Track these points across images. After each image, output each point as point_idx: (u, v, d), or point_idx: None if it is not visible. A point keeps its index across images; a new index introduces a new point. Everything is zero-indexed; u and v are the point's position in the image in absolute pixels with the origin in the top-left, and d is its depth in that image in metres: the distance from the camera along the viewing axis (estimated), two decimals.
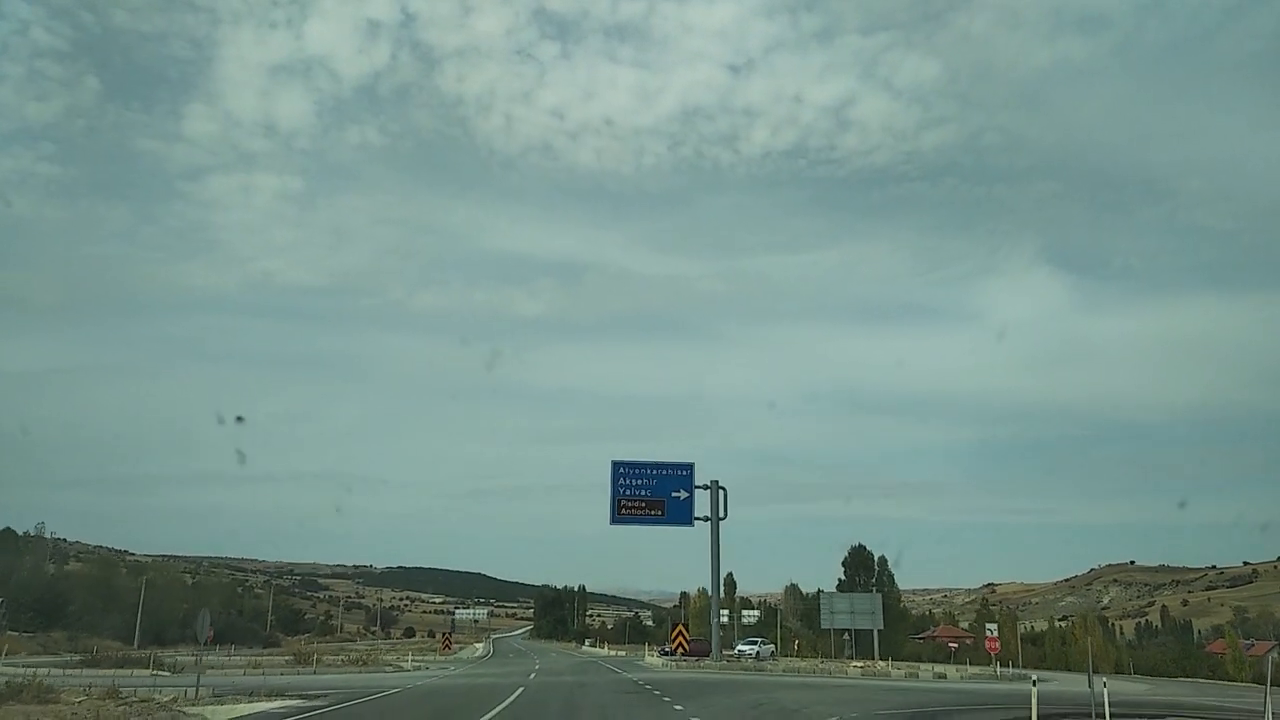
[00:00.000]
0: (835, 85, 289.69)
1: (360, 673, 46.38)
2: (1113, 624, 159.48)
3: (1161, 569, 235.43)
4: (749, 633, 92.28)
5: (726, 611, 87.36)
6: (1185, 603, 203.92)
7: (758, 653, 65.33)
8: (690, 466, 50.89)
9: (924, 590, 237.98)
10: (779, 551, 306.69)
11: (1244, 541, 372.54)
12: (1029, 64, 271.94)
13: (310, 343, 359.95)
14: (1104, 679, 30.52)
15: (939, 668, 55.54)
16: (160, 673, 44.00)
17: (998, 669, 50.39)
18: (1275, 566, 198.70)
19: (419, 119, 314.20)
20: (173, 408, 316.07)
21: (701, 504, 50.42)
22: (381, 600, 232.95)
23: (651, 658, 61.53)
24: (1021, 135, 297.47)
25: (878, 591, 73.89)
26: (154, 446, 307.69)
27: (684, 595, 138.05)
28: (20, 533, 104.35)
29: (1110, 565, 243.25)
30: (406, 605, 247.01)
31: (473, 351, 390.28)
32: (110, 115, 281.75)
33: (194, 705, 26.33)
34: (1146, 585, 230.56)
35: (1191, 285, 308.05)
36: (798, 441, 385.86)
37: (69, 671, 42.38)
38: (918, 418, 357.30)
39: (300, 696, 28.16)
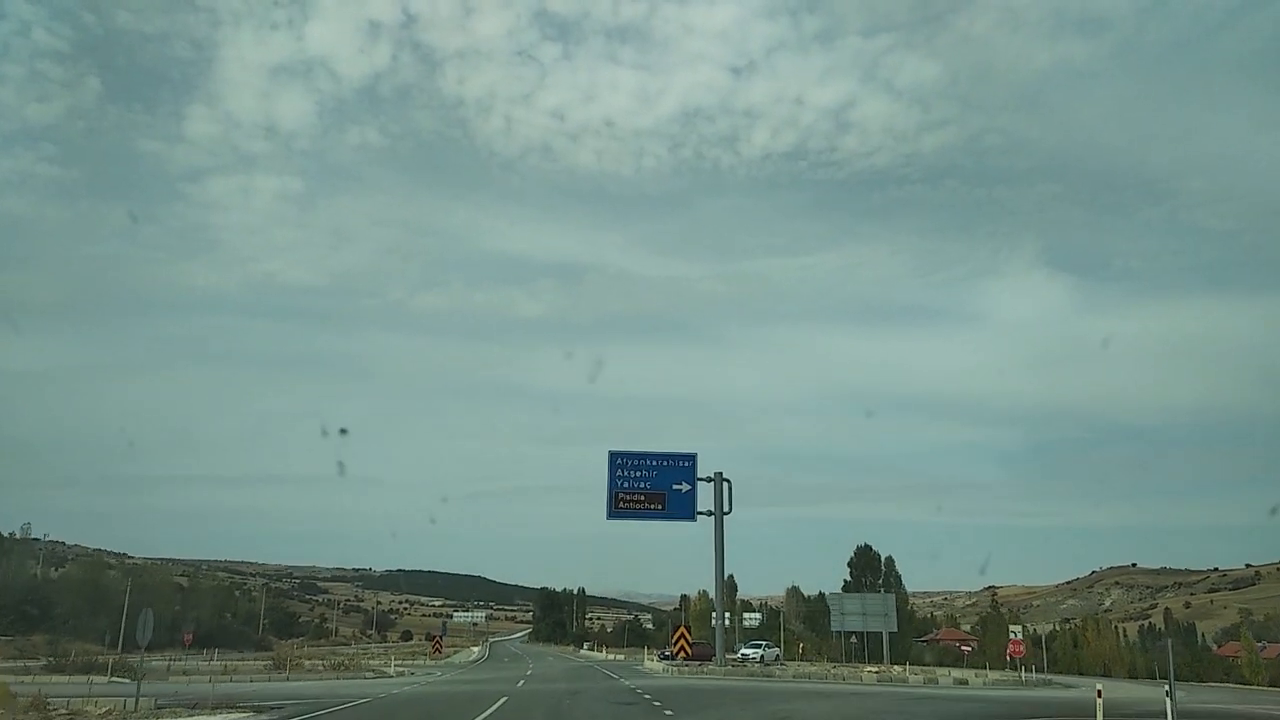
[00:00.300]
0: (836, 87, 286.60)
1: (338, 679, 42.59)
2: (1115, 626, 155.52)
3: (1163, 571, 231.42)
4: (750, 636, 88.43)
5: (728, 614, 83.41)
6: (1188, 605, 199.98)
7: (762, 656, 61.49)
8: (693, 457, 46.88)
9: (923, 592, 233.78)
10: (778, 554, 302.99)
11: (1246, 543, 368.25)
12: (1030, 65, 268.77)
13: (310, 343, 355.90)
14: (1173, 687, 26.76)
15: (955, 672, 51.74)
16: (119, 680, 40.33)
17: (1022, 674, 46.53)
18: (1279, 568, 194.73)
19: (419, 120, 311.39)
20: (174, 409, 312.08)
21: (704, 498, 46.56)
22: (380, 604, 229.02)
23: (651, 662, 57.67)
24: (1022, 137, 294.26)
25: (886, 593, 70.06)
26: (154, 449, 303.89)
27: (684, 598, 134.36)
28: (6, 534, 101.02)
29: (1112, 567, 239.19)
30: (405, 608, 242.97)
31: (478, 353, 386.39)
32: (111, 116, 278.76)
33: (129, 718, 22.83)
34: (1148, 587, 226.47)
35: (1193, 286, 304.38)
36: (797, 443, 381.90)
37: (23, 678, 38.82)
38: (918, 420, 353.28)
39: (252, 709, 24.46)
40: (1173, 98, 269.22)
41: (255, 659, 58.42)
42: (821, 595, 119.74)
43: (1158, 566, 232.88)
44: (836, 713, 22.97)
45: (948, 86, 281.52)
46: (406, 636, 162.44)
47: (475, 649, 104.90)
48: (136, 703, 24.39)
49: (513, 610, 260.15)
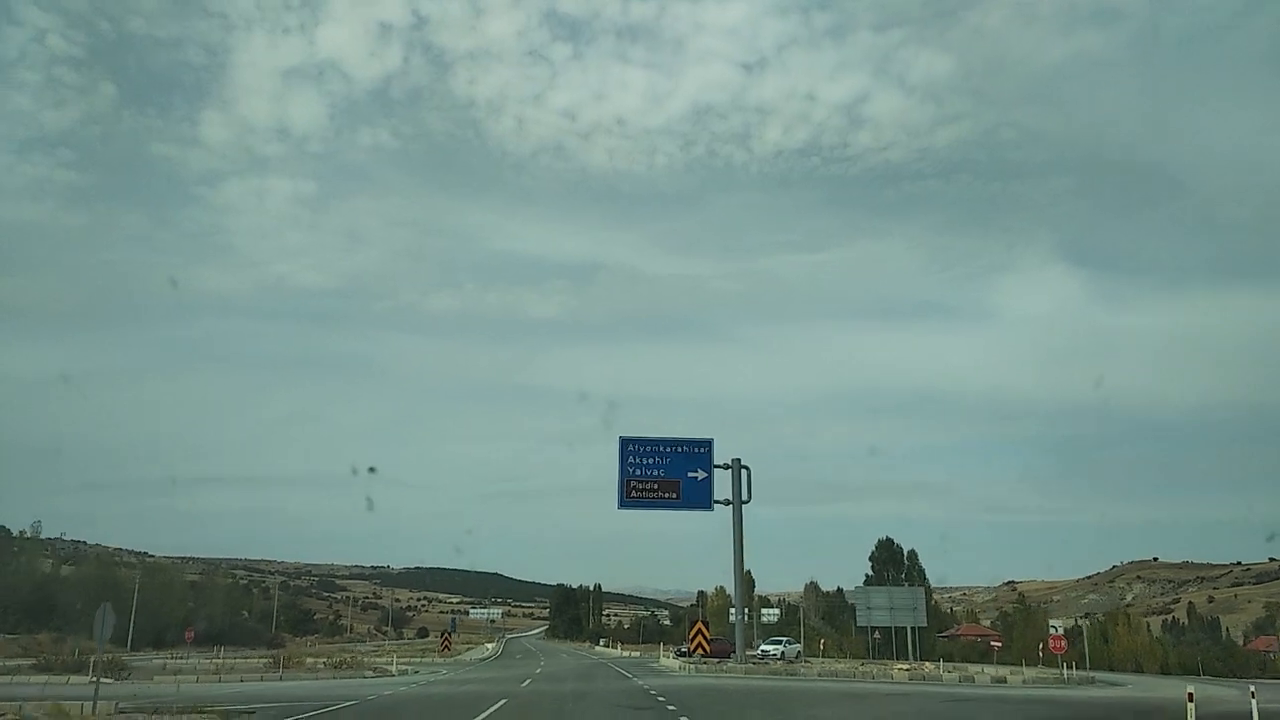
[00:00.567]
0: (848, 82, 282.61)
1: (334, 679, 39.63)
2: (1130, 622, 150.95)
3: (1185, 565, 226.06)
4: (769, 632, 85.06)
5: (746, 610, 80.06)
6: (1211, 599, 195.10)
7: (783, 653, 58.21)
8: (709, 443, 43.56)
9: (941, 588, 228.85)
10: (794, 551, 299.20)
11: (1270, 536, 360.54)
12: (1044, 58, 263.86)
13: (324, 345, 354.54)
14: (1252, 687, 23.48)
15: (988, 669, 48.30)
16: (102, 680, 37.51)
17: (1064, 671, 43.04)
18: None
19: (431, 121, 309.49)
20: (193, 411, 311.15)
21: (720, 488, 43.24)
22: (398, 601, 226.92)
23: (667, 659, 54.52)
24: (1037, 130, 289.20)
25: (912, 587, 66.57)
26: (173, 450, 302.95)
27: (701, 594, 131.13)
28: (16, 533, 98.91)
29: (1132, 562, 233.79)
30: (424, 605, 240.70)
31: (492, 353, 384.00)
32: (126, 121, 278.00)
33: None
34: (1170, 582, 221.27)
35: (1210, 279, 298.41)
36: (811, 440, 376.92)
37: (1, 678, 36.24)
38: (934, 416, 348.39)
39: (220, 713, 21.53)
40: (1189, 90, 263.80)
41: (256, 657, 55.62)
42: (840, 591, 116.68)
43: (1179, 560, 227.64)
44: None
45: (961, 81, 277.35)
46: (422, 633, 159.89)
47: (489, 646, 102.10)
48: (94, 706, 21.57)
49: (530, 607, 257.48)
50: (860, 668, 43.28)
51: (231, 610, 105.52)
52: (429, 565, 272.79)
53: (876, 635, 67.05)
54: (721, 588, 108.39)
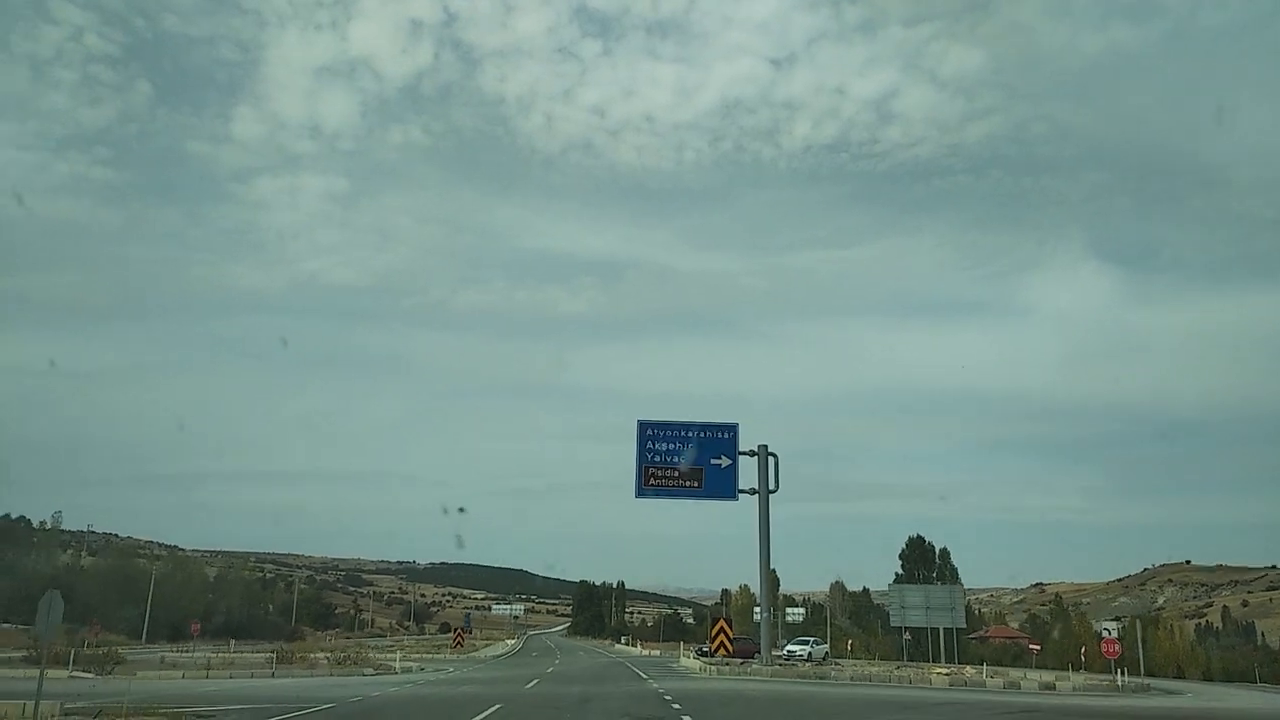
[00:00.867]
0: (878, 77, 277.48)
1: (332, 675, 36.62)
2: (1170, 625, 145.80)
3: (1219, 568, 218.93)
4: (794, 632, 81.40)
5: (771, 608, 76.51)
6: (1245, 603, 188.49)
7: (809, 654, 54.55)
8: (734, 428, 40.06)
9: (968, 589, 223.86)
10: (818, 550, 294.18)
11: None
12: (1077, 52, 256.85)
13: (354, 341, 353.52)
14: None
15: (1031, 674, 44.47)
16: (81, 674, 34.83)
17: (1118, 677, 39.13)
18: None
19: (461, 118, 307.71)
20: (223, 406, 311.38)
21: (745, 477, 39.80)
22: (423, 596, 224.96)
23: (688, 659, 51.04)
24: (1069, 125, 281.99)
25: (945, 585, 62.70)
26: (204, 445, 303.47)
27: (725, 592, 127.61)
28: (36, 524, 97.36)
29: (1164, 565, 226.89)
30: (448, 601, 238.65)
31: (521, 350, 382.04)
32: (161, 119, 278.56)
33: None
34: (1203, 585, 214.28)
35: (1245, 276, 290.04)
36: (838, 438, 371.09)
37: None
38: (963, 414, 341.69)
39: (170, 716, 18.52)
40: (1224, 84, 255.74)
41: (263, 651, 52.84)
42: (865, 591, 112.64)
43: (1212, 564, 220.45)
44: None
45: (992, 75, 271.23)
46: (445, 629, 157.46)
47: (509, 642, 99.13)
48: (36, 706, 18.58)
49: (554, 604, 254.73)
50: (896, 671, 39.57)
51: (251, 603, 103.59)
52: (454, 561, 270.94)
53: (908, 636, 63.21)
54: (746, 586, 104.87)
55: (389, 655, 51.58)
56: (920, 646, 65.68)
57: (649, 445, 39.68)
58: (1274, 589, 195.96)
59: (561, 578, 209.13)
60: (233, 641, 68.26)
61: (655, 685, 28.75)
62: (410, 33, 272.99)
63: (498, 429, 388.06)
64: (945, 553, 78.91)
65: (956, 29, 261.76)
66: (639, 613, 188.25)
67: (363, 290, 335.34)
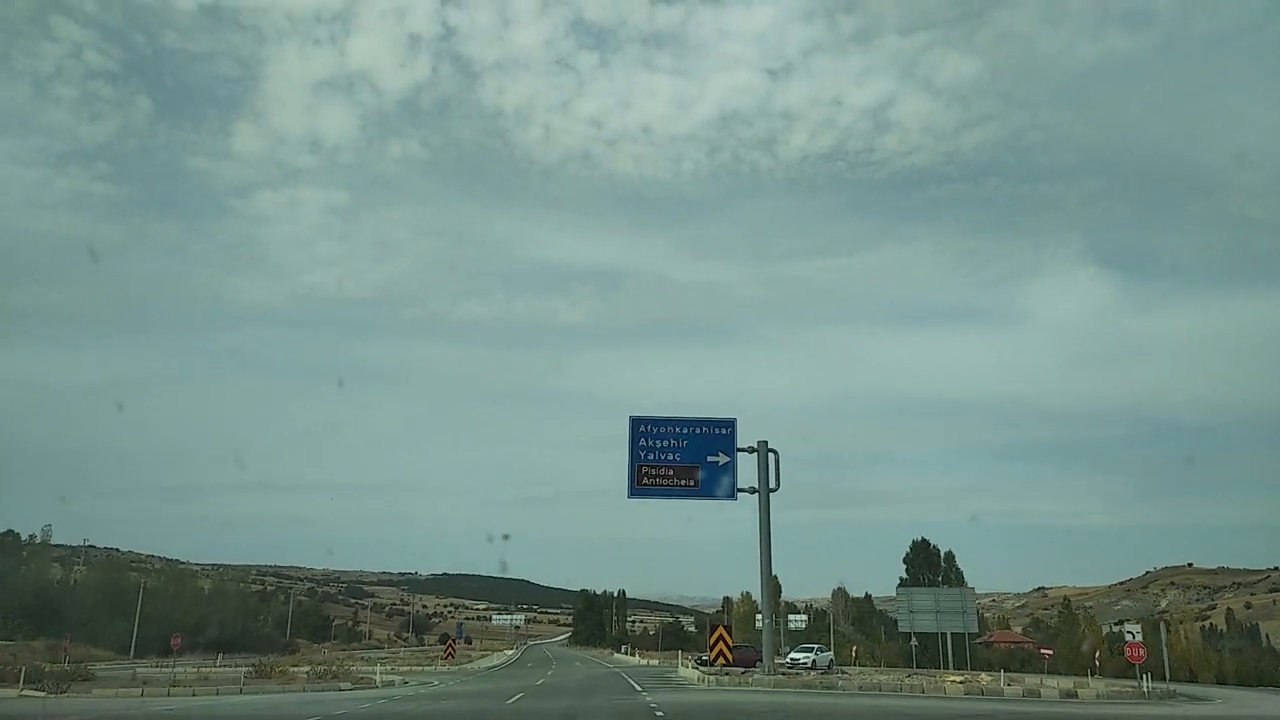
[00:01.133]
0: (874, 87, 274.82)
1: (304, 690, 33.92)
2: (1181, 628, 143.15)
3: (1221, 571, 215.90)
4: (796, 640, 78.53)
5: (774, 615, 73.73)
6: (1248, 605, 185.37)
7: (814, 662, 51.75)
8: (732, 423, 37.52)
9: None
10: (819, 557, 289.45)
11: None
12: (1073, 60, 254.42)
13: (353, 353, 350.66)
14: None
15: (1048, 680, 41.73)
16: (31, 693, 32.15)
17: (1143, 683, 36.41)
18: None
19: (460, 131, 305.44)
20: (224, 420, 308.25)
21: (744, 475, 37.21)
22: (425, 607, 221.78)
23: (686, 668, 48.29)
24: (1066, 132, 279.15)
25: (951, 588, 59.85)
26: (205, 458, 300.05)
27: (727, 600, 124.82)
28: (25, 538, 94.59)
29: (1167, 568, 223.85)
30: (449, 612, 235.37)
31: (520, 360, 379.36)
32: (161, 135, 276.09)
33: None
34: (1205, 588, 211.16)
35: (1243, 281, 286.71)
36: (837, 445, 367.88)
37: None
38: (962, 420, 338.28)
39: None
40: (1221, 90, 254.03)
41: (243, 665, 50.03)
42: (868, 597, 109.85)
43: (1215, 566, 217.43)
44: None
45: (989, 83, 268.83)
46: (444, 640, 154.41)
47: (508, 652, 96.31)
48: None
49: (556, 613, 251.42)
50: (907, 679, 36.84)
51: (246, 616, 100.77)
52: (455, 572, 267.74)
53: (915, 642, 60.43)
54: (747, 593, 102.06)
55: (368, 668, 48.75)
56: (927, 652, 62.90)
57: (641, 443, 37.13)
58: (1276, 591, 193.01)
59: (564, 587, 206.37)
60: (220, 655, 65.50)
61: (648, 698, 26.07)
62: (409, 47, 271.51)
63: (497, 438, 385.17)
64: (950, 555, 76.24)
65: (952, 37, 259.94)
66: (640, 621, 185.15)
67: (363, 302, 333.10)
